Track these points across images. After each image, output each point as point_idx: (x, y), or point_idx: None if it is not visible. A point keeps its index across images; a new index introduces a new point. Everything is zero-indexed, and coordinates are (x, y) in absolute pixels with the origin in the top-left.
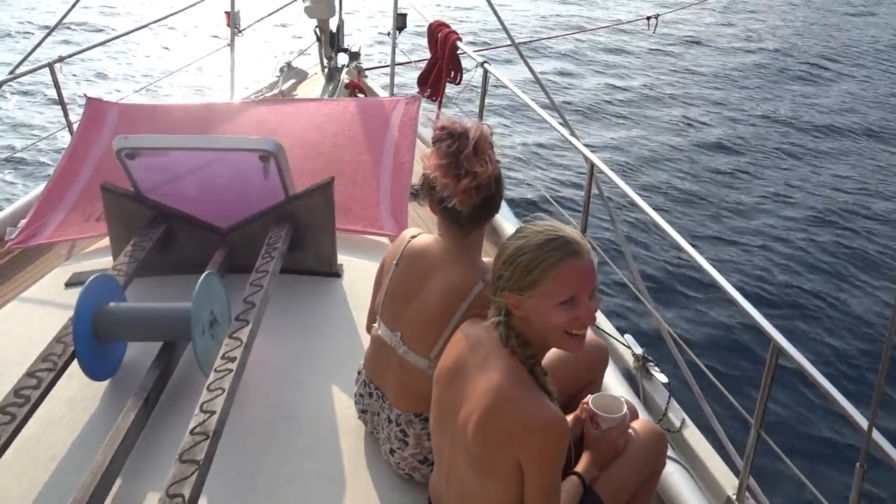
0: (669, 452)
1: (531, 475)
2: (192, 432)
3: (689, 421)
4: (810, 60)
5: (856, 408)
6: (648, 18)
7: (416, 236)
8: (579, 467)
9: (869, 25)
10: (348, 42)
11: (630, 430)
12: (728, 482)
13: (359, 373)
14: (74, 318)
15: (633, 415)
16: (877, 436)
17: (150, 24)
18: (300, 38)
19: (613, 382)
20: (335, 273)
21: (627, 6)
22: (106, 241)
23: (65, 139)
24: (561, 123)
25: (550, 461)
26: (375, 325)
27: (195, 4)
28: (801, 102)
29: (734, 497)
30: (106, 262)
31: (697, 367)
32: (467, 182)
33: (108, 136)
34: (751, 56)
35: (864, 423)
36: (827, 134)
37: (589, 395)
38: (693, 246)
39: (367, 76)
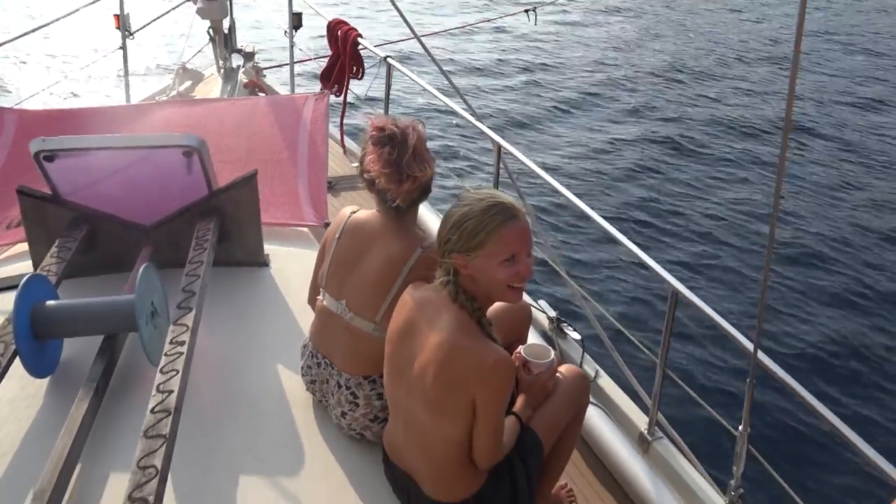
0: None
1: (483, 412)
2: (152, 411)
3: (601, 371)
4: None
5: (743, 335)
6: (527, 11)
7: (355, 212)
8: (516, 408)
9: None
10: (242, 42)
11: (557, 374)
12: (640, 420)
13: (304, 346)
14: (14, 317)
15: (559, 362)
16: (761, 356)
17: (38, 28)
18: (193, 39)
19: (534, 341)
20: (263, 262)
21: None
22: (19, 249)
23: None
24: (465, 109)
25: (500, 398)
26: (320, 297)
27: (83, 7)
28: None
29: (646, 432)
30: (23, 266)
31: (606, 321)
32: (409, 185)
33: (8, 143)
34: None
35: (750, 346)
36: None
37: (520, 346)
38: (597, 212)
39: (265, 75)
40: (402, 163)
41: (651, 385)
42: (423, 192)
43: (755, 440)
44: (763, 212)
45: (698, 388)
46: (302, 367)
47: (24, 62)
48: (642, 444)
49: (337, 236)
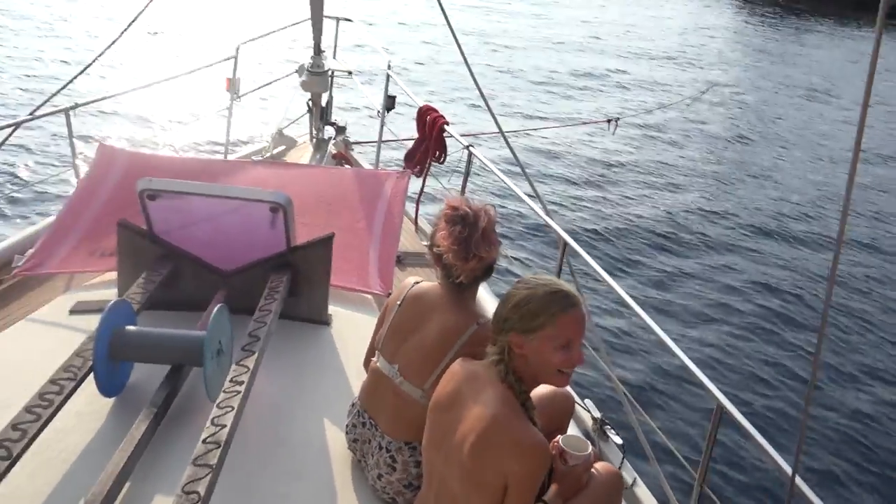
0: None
1: (514, 492)
2: (204, 441)
3: (639, 480)
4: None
5: (783, 458)
6: (609, 121)
7: (418, 282)
8: (547, 496)
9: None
10: (336, 117)
11: (593, 470)
12: None
13: (352, 405)
14: (96, 337)
15: (596, 457)
16: (800, 482)
17: (158, 82)
18: (293, 108)
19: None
20: (326, 321)
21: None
22: (107, 277)
23: (72, 179)
24: (537, 203)
25: (533, 481)
26: (374, 359)
27: (202, 68)
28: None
29: None
30: (109, 293)
31: (649, 428)
32: (474, 263)
33: (116, 180)
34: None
35: (789, 471)
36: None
37: (559, 436)
38: (648, 314)
39: (353, 149)
40: (470, 242)
41: (688, 501)
42: (486, 272)
43: None
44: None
45: None
46: (347, 426)
47: (141, 110)
48: None
49: (398, 303)
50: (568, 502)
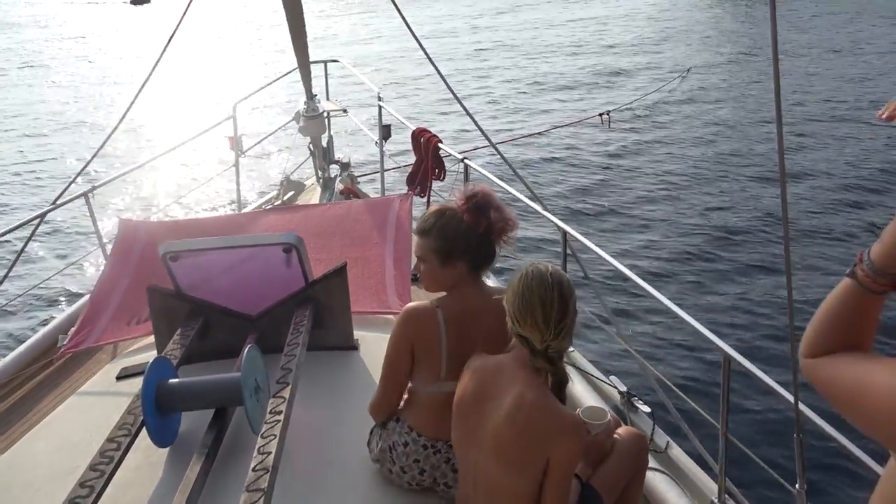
0: (657, 465)
1: (557, 470)
2: (254, 469)
3: (672, 442)
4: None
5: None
6: (601, 115)
7: (438, 306)
8: (577, 469)
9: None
10: (339, 153)
11: (616, 435)
12: (710, 488)
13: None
14: (142, 394)
15: (617, 423)
16: (803, 408)
17: (165, 152)
18: (296, 153)
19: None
20: (353, 346)
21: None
22: (146, 341)
23: (100, 256)
24: (533, 199)
25: (574, 459)
26: (435, 388)
27: (204, 133)
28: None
29: (717, 500)
30: (149, 355)
31: (673, 393)
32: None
33: (140, 249)
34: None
35: (791, 398)
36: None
37: (578, 409)
38: (650, 283)
39: (359, 182)
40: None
41: (717, 451)
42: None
43: (815, 495)
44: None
45: (761, 448)
46: (405, 458)
47: (153, 181)
48: None
49: (443, 329)
50: (597, 470)
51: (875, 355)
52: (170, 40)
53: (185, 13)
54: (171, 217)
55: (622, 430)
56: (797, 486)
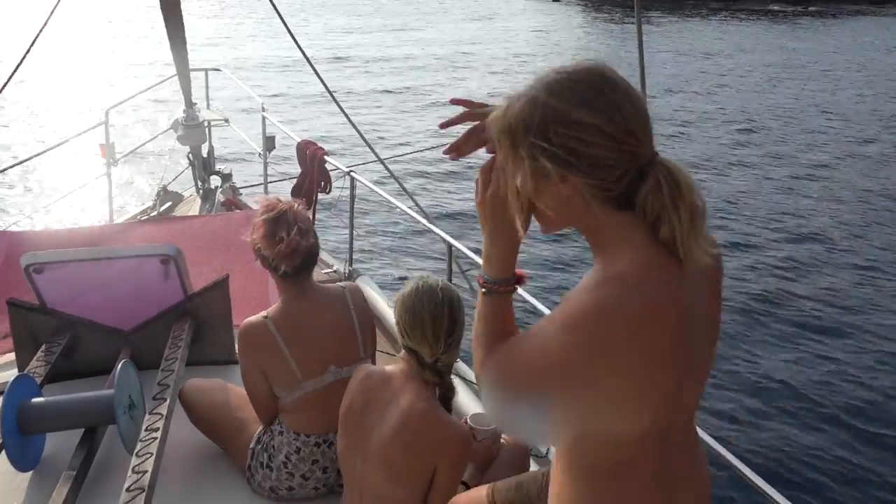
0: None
1: (442, 479)
2: (127, 489)
3: (552, 448)
4: None
5: None
6: None
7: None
8: (465, 475)
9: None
10: (220, 165)
11: (502, 441)
12: None
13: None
14: (2, 412)
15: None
16: None
17: (29, 158)
18: (174, 163)
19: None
20: (234, 360)
21: None
22: (4, 359)
23: None
24: (418, 213)
25: (460, 467)
26: (295, 391)
27: (73, 138)
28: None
29: None
30: (9, 374)
31: None
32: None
33: (0, 262)
34: None
35: None
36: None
37: (466, 415)
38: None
39: (241, 194)
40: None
41: None
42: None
43: None
44: None
45: None
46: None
47: (13, 188)
48: None
49: (278, 337)
50: (484, 473)
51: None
52: (37, 37)
53: (55, 6)
54: (35, 228)
55: (506, 437)
56: None
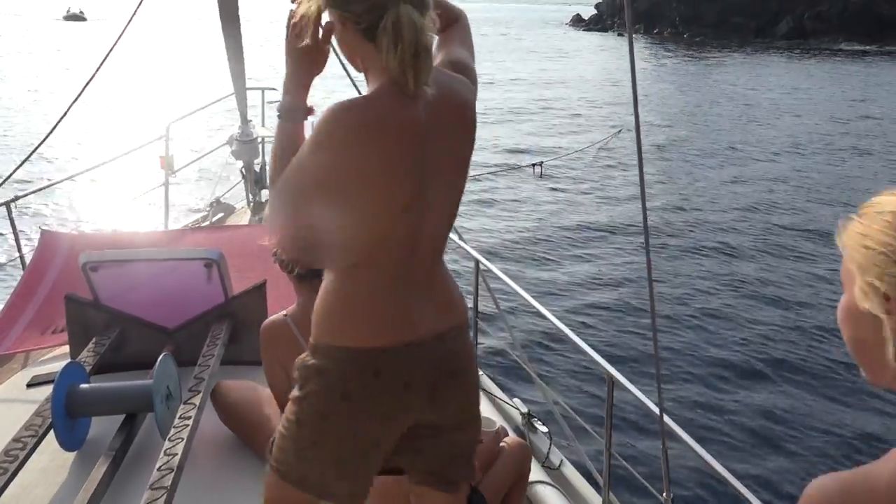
0: (551, 480)
1: None
2: (158, 469)
3: (566, 460)
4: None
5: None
6: (533, 165)
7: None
8: None
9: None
10: None
11: (502, 444)
12: (594, 501)
13: None
14: (53, 395)
15: (504, 432)
16: (668, 420)
17: (94, 167)
18: (228, 177)
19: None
20: None
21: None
22: (60, 351)
23: (18, 267)
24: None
25: None
26: None
27: (135, 150)
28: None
29: None
30: (62, 364)
31: (568, 413)
32: None
33: (62, 260)
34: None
35: (656, 411)
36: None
37: None
38: (554, 313)
39: None
40: None
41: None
42: None
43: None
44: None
45: (641, 462)
46: None
47: (80, 195)
48: None
49: (299, 335)
50: (486, 474)
51: None
52: (107, 56)
53: (123, 31)
54: (96, 231)
55: (508, 439)
56: (664, 494)
